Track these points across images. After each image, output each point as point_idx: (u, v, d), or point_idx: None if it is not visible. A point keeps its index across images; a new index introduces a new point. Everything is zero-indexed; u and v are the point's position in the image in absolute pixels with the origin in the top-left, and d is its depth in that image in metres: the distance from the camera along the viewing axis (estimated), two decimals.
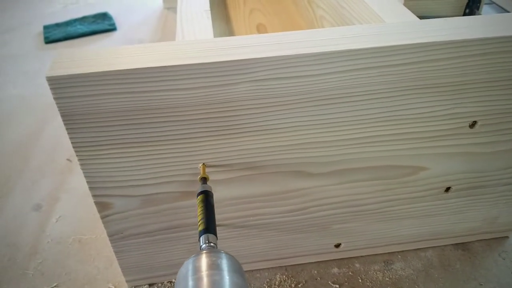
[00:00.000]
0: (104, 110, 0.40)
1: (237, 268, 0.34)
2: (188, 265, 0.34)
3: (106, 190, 0.46)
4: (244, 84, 0.40)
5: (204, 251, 0.35)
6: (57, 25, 1.34)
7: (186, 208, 0.49)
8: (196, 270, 0.33)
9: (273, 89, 0.41)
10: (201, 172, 0.45)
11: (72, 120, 0.40)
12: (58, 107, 0.39)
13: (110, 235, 0.51)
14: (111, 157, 0.44)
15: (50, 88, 0.38)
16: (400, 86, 0.43)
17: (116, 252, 0.53)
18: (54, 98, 0.38)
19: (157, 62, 0.38)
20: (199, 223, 0.39)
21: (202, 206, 0.41)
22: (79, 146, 0.42)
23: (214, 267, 0.33)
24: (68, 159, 0.82)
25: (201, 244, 0.37)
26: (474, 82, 0.44)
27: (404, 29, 0.43)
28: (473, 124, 0.48)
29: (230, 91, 0.41)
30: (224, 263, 0.34)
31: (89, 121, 0.40)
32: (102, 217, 0.48)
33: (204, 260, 0.34)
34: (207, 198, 0.42)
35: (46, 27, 1.32)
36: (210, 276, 0.32)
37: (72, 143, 0.42)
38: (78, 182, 0.77)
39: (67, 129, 0.41)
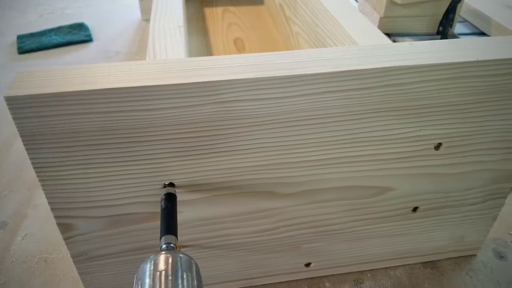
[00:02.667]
0: (66, 130, 0.39)
1: (194, 270, 0.35)
2: (146, 264, 0.34)
3: (69, 211, 0.45)
4: (209, 105, 0.40)
5: (163, 252, 0.35)
6: (32, 35, 1.31)
7: (153, 229, 0.48)
8: (154, 269, 0.34)
9: (238, 111, 0.41)
10: None
11: (32, 141, 0.39)
12: (17, 127, 0.38)
13: (73, 257, 0.49)
14: (74, 178, 0.43)
15: (9, 108, 0.37)
16: (365, 109, 0.44)
17: (80, 274, 0.51)
18: (13, 118, 0.37)
19: (120, 83, 0.38)
20: (161, 224, 0.40)
21: (164, 208, 0.42)
22: (40, 167, 0.41)
23: (172, 267, 0.34)
24: None
25: (161, 245, 0.38)
26: (438, 105, 0.45)
27: (371, 52, 0.44)
28: (438, 146, 0.49)
29: (196, 112, 0.40)
30: (183, 264, 0.34)
31: (49, 142, 0.39)
32: (65, 239, 0.47)
33: (162, 260, 0.34)
34: (169, 200, 0.43)
35: (20, 37, 1.30)
36: (166, 276, 0.33)
37: (32, 163, 0.41)
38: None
39: (26, 149, 0.40)
